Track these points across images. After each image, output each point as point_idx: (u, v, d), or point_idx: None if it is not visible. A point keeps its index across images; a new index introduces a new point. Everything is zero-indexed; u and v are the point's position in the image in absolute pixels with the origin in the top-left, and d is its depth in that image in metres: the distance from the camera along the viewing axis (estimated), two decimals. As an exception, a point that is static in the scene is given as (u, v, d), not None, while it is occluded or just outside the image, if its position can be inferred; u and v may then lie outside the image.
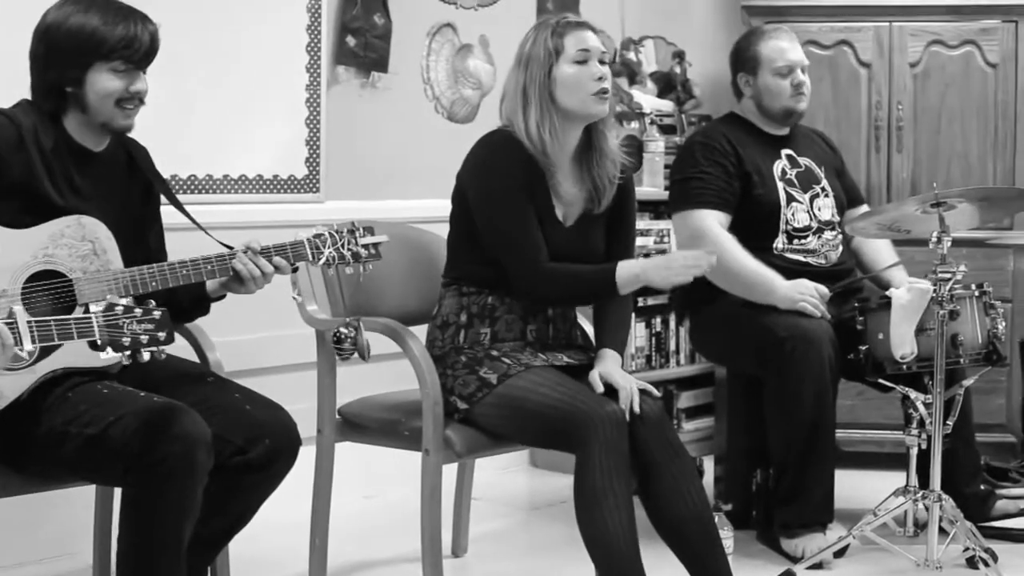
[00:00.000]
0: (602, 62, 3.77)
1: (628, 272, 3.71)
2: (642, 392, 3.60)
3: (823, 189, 4.72)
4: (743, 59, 4.73)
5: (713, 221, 4.55)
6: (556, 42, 3.73)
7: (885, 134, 5.74)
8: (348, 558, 4.41)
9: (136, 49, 3.28)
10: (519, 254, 3.71)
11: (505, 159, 3.72)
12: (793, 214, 4.61)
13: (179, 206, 3.52)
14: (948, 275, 3.93)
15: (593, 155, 3.82)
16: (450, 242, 3.91)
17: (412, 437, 3.76)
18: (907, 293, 4.15)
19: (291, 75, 4.86)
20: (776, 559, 4.39)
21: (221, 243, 3.38)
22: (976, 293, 4.26)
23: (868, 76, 5.76)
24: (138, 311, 2.92)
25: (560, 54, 3.73)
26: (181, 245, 3.46)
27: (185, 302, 3.45)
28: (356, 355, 3.51)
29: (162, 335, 2.94)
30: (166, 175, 4.38)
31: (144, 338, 2.92)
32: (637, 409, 3.54)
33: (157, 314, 2.94)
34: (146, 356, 2.92)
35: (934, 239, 3.94)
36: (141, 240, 3.47)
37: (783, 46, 4.66)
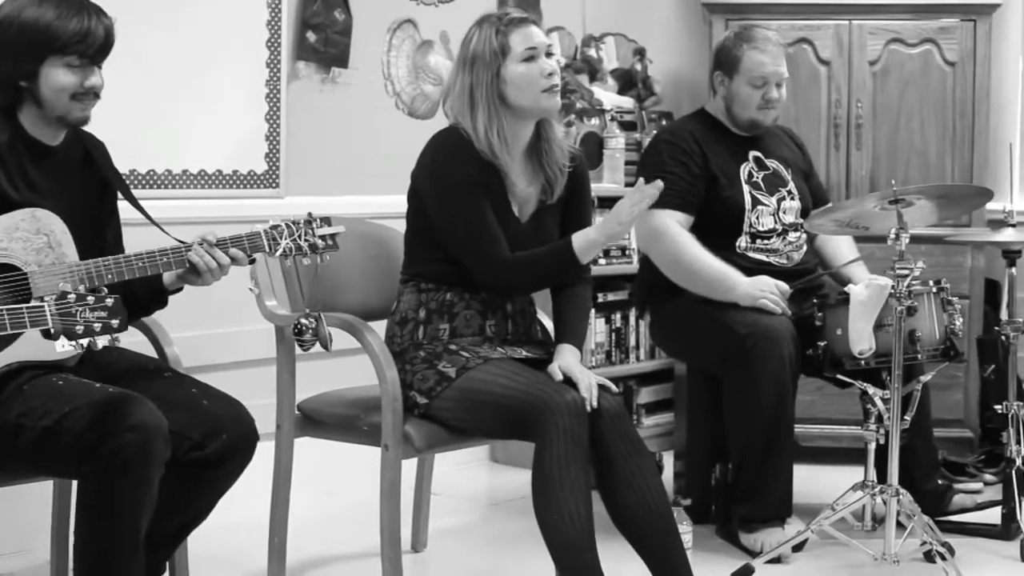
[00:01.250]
0: (549, 55, 3.77)
1: (584, 240, 3.72)
2: (601, 388, 3.61)
3: (789, 192, 4.72)
4: (724, 59, 4.71)
5: (673, 221, 4.54)
6: (502, 41, 3.73)
7: (844, 131, 5.76)
8: (307, 554, 4.40)
9: (90, 44, 3.26)
10: (479, 250, 3.71)
11: (457, 158, 3.72)
12: (758, 217, 4.62)
13: (134, 202, 3.50)
14: (906, 271, 3.95)
15: (542, 146, 3.83)
16: (407, 239, 3.91)
17: (371, 432, 3.76)
18: (865, 289, 4.17)
19: (251, 70, 4.85)
20: (735, 553, 4.40)
21: (176, 239, 3.37)
22: (934, 289, 4.28)
23: (828, 74, 5.78)
24: (90, 299, 2.91)
25: (507, 53, 3.73)
26: (139, 240, 3.44)
27: (142, 295, 3.43)
28: (318, 345, 3.50)
29: (115, 322, 2.93)
30: (125, 170, 4.39)
31: (97, 325, 2.91)
32: (595, 403, 3.54)
33: (110, 301, 2.92)
34: (100, 343, 2.91)
35: (892, 236, 3.96)
36: (97, 235, 3.45)
37: (764, 60, 4.63)
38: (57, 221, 3.26)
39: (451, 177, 3.72)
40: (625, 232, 3.80)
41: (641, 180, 3.74)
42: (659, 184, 3.66)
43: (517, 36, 3.73)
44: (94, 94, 3.32)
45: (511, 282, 3.78)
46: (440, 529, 4.67)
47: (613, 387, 3.66)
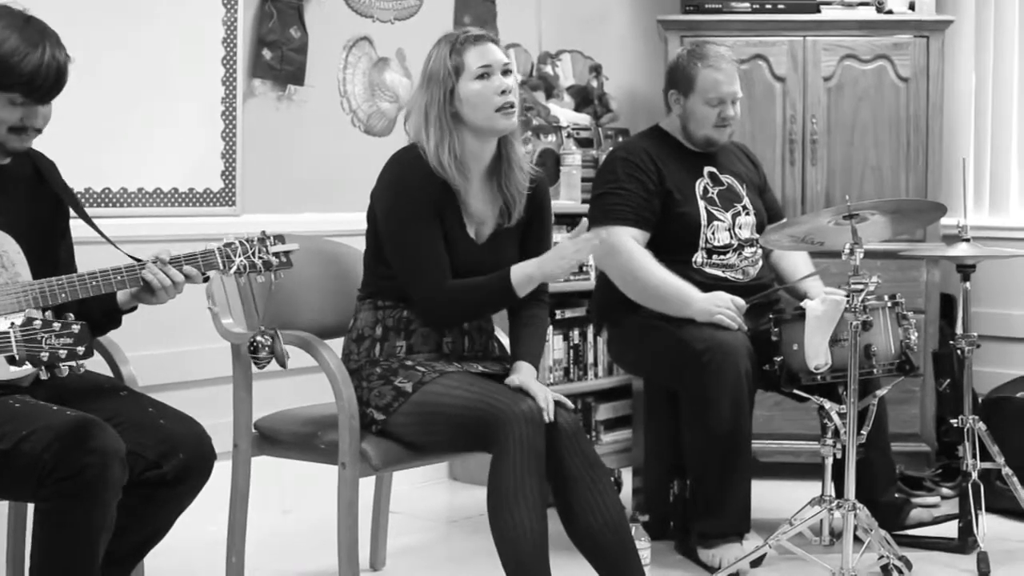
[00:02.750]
0: (506, 73, 3.76)
1: (522, 273, 3.72)
2: (557, 404, 3.61)
3: (744, 207, 4.74)
4: (678, 78, 4.71)
5: (629, 238, 4.55)
6: (456, 60, 3.72)
7: (799, 147, 5.79)
8: (265, 573, 4.38)
9: (37, 87, 3.22)
10: (422, 279, 3.72)
11: (413, 178, 3.72)
12: (713, 232, 4.63)
13: (87, 219, 3.48)
14: (861, 286, 3.96)
15: (502, 167, 3.83)
16: (366, 257, 3.91)
17: (328, 451, 3.75)
18: (821, 304, 4.18)
19: (207, 88, 4.84)
20: (693, 569, 4.41)
21: (130, 256, 3.35)
22: (889, 304, 4.31)
23: (783, 90, 5.81)
24: (56, 325, 2.89)
25: (461, 72, 3.72)
26: (92, 258, 3.42)
27: (96, 315, 3.40)
28: (274, 363, 3.49)
29: (81, 349, 2.91)
30: (80, 188, 4.37)
31: (62, 352, 2.89)
32: (551, 417, 3.54)
33: (76, 328, 2.91)
34: (65, 371, 2.89)
35: (847, 251, 3.98)
36: (50, 253, 3.43)
37: (719, 78, 4.64)
38: (10, 241, 3.24)
39: (403, 197, 3.72)
40: (564, 273, 3.79)
41: (585, 221, 3.76)
42: (603, 235, 3.68)
43: (473, 54, 3.73)
44: (34, 129, 3.30)
45: (449, 314, 3.78)
46: (399, 547, 4.66)
47: (569, 404, 3.66)
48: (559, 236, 5.49)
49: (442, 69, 3.73)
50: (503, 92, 3.72)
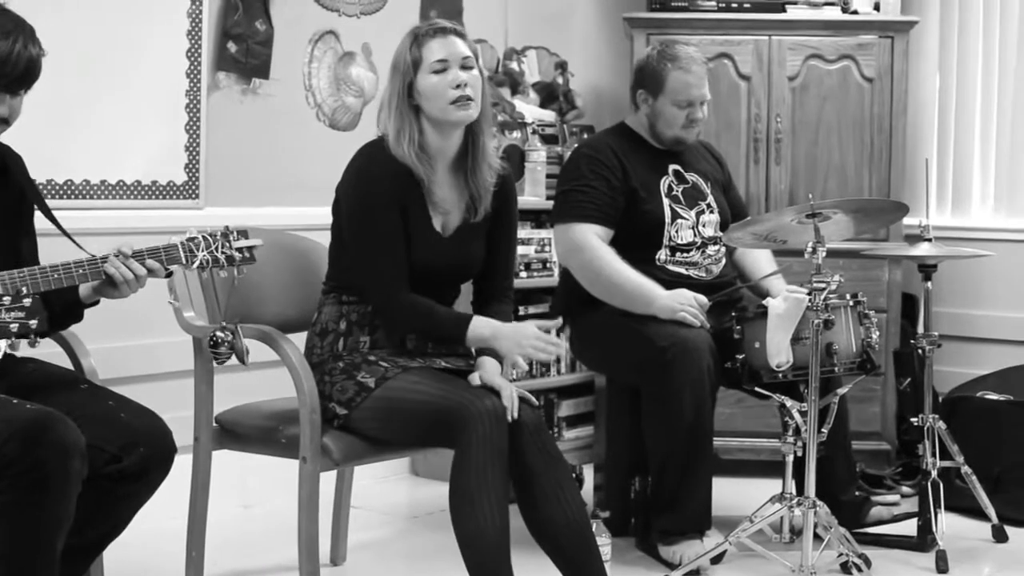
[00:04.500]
0: (466, 67, 3.75)
1: (478, 332, 3.75)
2: (521, 400, 3.61)
3: (709, 205, 4.75)
4: (647, 78, 4.71)
5: (592, 235, 4.56)
6: (416, 53, 3.73)
7: (764, 146, 5.80)
8: (225, 567, 4.37)
9: (5, 74, 3.21)
10: (379, 280, 3.72)
11: (377, 172, 3.72)
12: (677, 231, 4.64)
13: (49, 214, 3.46)
14: (823, 285, 3.98)
15: (468, 161, 3.83)
16: (331, 251, 3.90)
17: (289, 445, 3.74)
18: (783, 303, 4.20)
19: (171, 80, 4.82)
20: (654, 566, 4.42)
21: (89, 253, 3.32)
22: (851, 303, 4.32)
23: (748, 89, 5.82)
24: (7, 299, 2.87)
25: (419, 65, 3.72)
26: (54, 253, 3.40)
27: (58, 308, 3.37)
28: (234, 358, 3.48)
29: (33, 322, 2.89)
30: (43, 180, 4.35)
31: (14, 326, 2.87)
32: (516, 414, 3.55)
33: (27, 301, 2.88)
34: (19, 346, 2.87)
35: (809, 249, 4.00)
36: (13, 247, 3.41)
37: (689, 81, 4.64)
38: (-29, 234, 3.23)
39: (366, 192, 3.72)
40: (513, 359, 3.77)
41: (559, 320, 3.77)
42: (562, 351, 3.70)
43: (431, 46, 3.72)
44: (2, 120, 3.28)
45: (399, 323, 3.79)
46: (359, 542, 4.65)
47: (533, 400, 3.66)
48: (523, 232, 5.52)
49: (402, 62, 3.74)
50: (458, 86, 3.71)
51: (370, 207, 3.70)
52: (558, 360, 5.86)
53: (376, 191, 3.70)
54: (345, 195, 3.78)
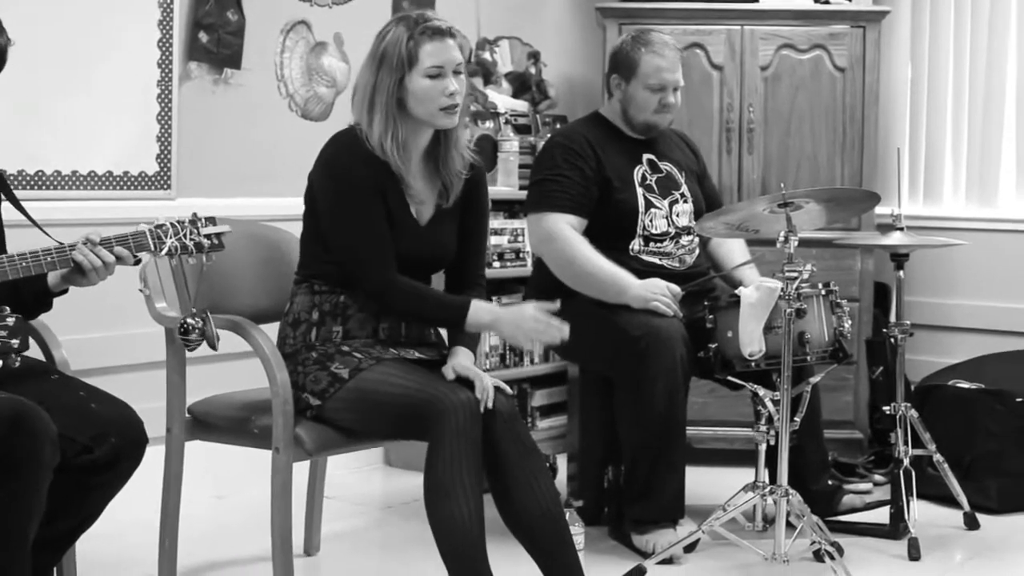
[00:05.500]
0: (457, 72, 3.74)
1: (478, 318, 3.74)
2: (495, 389, 3.61)
3: (683, 195, 4.75)
4: (621, 62, 4.71)
5: (565, 225, 4.56)
6: (411, 49, 3.68)
7: (736, 136, 5.81)
8: (199, 558, 4.36)
9: None
10: (369, 266, 3.70)
11: (354, 160, 3.70)
12: (651, 220, 4.64)
13: (17, 204, 3.44)
14: (795, 274, 3.99)
15: (439, 152, 3.82)
16: (303, 240, 3.88)
17: (262, 435, 3.73)
18: (755, 292, 4.20)
19: (142, 70, 4.80)
20: (627, 554, 4.43)
21: (58, 241, 3.31)
22: (822, 292, 4.33)
23: (720, 79, 5.83)
24: None
25: (414, 65, 3.69)
26: (22, 243, 3.38)
27: (27, 298, 3.37)
28: (205, 345, 3.47)
29: (15, 342, 2.88)
30: (13, 170, 4.34)
31: None
32: (491, 404, 3.55)
33: (11, 320, 2.88)
34: None
35: (781, 239, 4.00)
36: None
37: (662, 65, 4.65)
38: (-62, 224, 3.21)
39: (345, 180, 3.70)
40: (513, 342, 3.78)
41: (557, 304, 3.75)
42: (565, 333, 3.68)
43: (428, 48, 3.68)
44: None
45: (394, 306, 3.77)
46: (333, 533, 4.65)
47: (508, 389, 3.66)
48: (497, 222, 5.52)
49: (396, 56, 3.69)
50: (450, 95, 3.70)
51: (351, 194, 3.68)
52: (531, 349, 5.86)
53: (355, 177, 3.68)
54: (322, 185, 3.76)
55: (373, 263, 3.70)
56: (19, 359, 2.90)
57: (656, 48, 4.66)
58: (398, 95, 3.70)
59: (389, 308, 3.77)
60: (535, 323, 3.70)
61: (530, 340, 3.76)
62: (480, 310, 3.74)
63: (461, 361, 3.69)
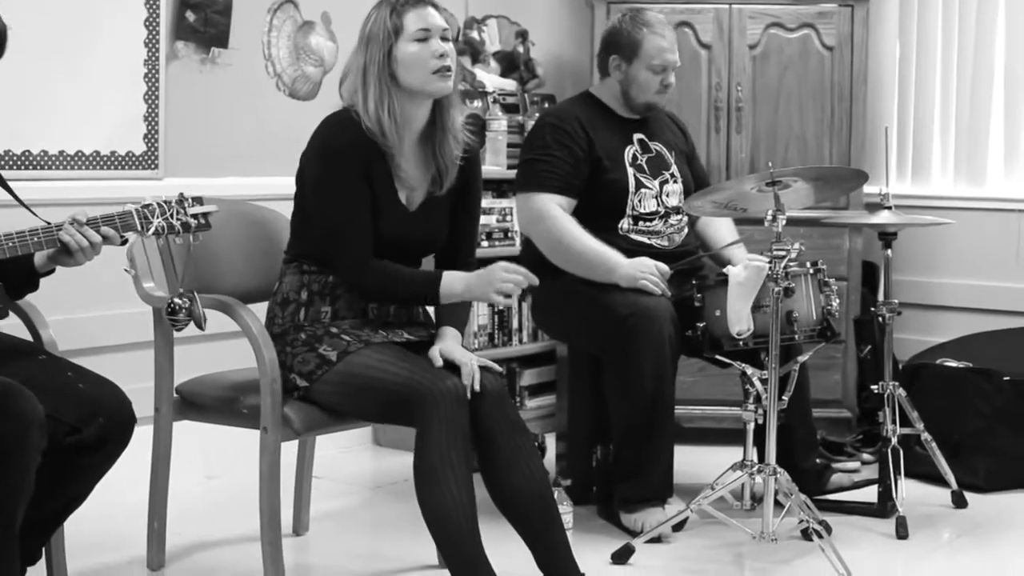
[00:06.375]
0: (444, 39, 3.75)
1: (450, 286, 3.73)
2: (483, 368, 3.62)
3: (672, 175, 4.75)
4: (621, 43, 4.70)
5: (553, 204, 4.56)
6: (396, 21, 3.71)
7: (725, 115, 5.81)
8: (187, 538, 4.36)
9: None
10: (346, 247, 3.71)
11: (344, 143, 3.70)
12: (641, 200, 4.64)
13: (3, 184, 3.43)
14: (783, 253, 3.99)
15: (436, 133, 3.82)
16: (293, 221, 3.88)
17: (250, 415, 3.73)
18: (743, 271, 4.20)
19: (129, 49, 4.79)
20: (616, 533, 4.43)
21: (45, 221, 3.30)
22: (811, 271, 4.33)
23: (708, 57, 5.82)
24: None
25: (400, 33, 3.70)
26: (9, 223, 3.37)
27: (13, 278, 3.36)
28: (192, 325, 3.47)
29: None
30: (-1, 151, 4.32)
31: None
32: (478, 387, 3.55)
33: None
34: None
35: (769, 217, 4.01)
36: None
37: (664, 46, 4.66)
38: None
39: (333, 162, 3.70)
40: (489, 299, 3.76)
41: (527, 273, 3.74)
42: (534, 279, 3.69)
43: (411, 16, 3.71)
44: None
45: (369, 288, 3.77)
46: (322, 512, 4.65)
47: (495, 367, 3.67)
48: (485, 202, 5.51)
49: (381, 31, 3.71)
50: (441, 56, 3.71)
51: (335, 175, 3.69)
52: (520, 328, 5.87)
53: (342, 160, 3.69)
54: (310, 164, 3.76)
55: (349, 244, 3.70)
56: None
57: (657, 29, 4.67)
58: (389, 68, 3.71)
59: (363, 289, 3.77)
60: (505, 273, 3.69)
61: (503, 292, 3.71)
62: (451, 281, 3.74)
63: (448, 345, 3.69)
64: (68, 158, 4.62)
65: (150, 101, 4.84)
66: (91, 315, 4.60)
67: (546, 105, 6.06)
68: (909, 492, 4.71)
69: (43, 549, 3.51)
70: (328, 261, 3.76)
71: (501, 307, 3.64)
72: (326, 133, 3.76)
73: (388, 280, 3.74)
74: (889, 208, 4.59)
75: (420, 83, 3.72)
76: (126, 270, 3.76)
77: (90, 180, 4.67)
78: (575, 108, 4.79)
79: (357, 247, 3.70)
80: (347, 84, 3.80)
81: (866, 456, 5.32)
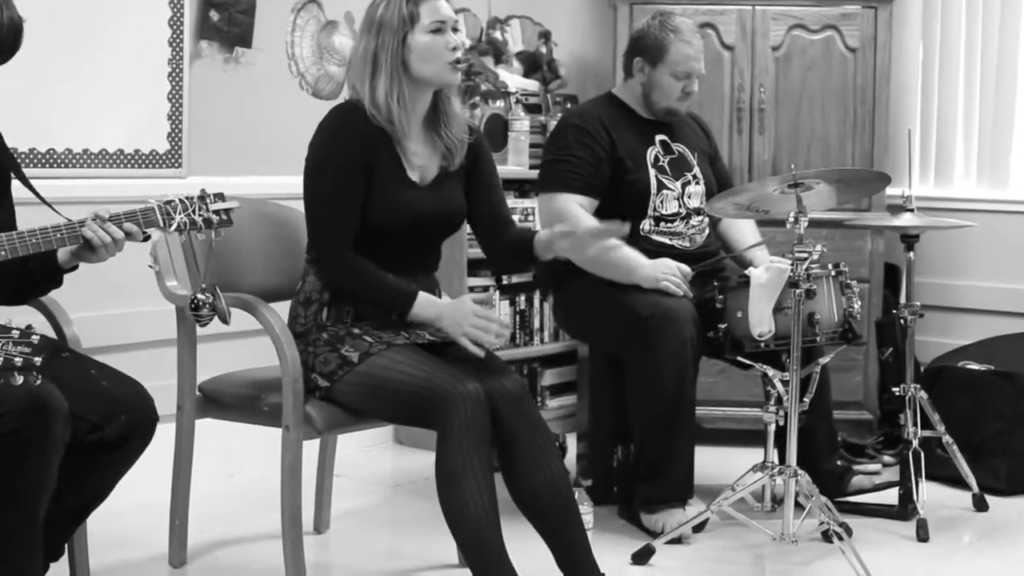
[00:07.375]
0: (455, 30, 3.77)
1: (423, 309, 3.72)
2: (501, 369, 3.64)
3: (695, 176, 4.75)
4: (647, 46, 4.71)
5: (576, 205, 4.56)
6: (411, 10, 3.71)
7: (747, 116, 5.80)
8: (209, 536, 4.37)
9: None
10: (325, 235, 3.73)
11: (347, 132, 3.71)
12: (662, 201, 4.65)
13: (26, 182, 3.44)
14: (805, 255, 3.99)
15: (440, 118, 3.83)
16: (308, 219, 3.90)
17: (272, 413, 3.74)
18: (765, 272, 4.21)
19: (153, 49, 4.80)
20: (636, 534, 4.43)
21: (67, 218, 3.31)
22: (832, 273, 4.33)
23: (731, 59, 5.82)
24: (15, 332, 2.86)
25: (415, 23, 3.71)
26: (35, 222, 3.38)
27: (37, 274, 3.38)
28: (217, 321, 3.48)
29: (38, 360, 2.87)
30: (25, 149, 4.34)
31: (18, 360, 2.85)
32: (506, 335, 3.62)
33: (35, 339, 2.88)
34: (19, 380, 2.85)
35: (791, 219, 4.00)
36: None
37: (690, 53, 4.66)
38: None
39: (329, 151, 3.72)
40: (455, 337, 3.73)
41: (494, 294, 3.74)
42: (505, 334, 3.69)
43: (426, 7, 3.72)
44: None
45: (338, 279, 3.77)
46: (343, 511, 4.66)
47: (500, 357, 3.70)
48: (510, 202, 5.51)
49: (396, 17, 3.71)
50: (454, 48, 3.73)
51: (328, 164, 3.71)
52: (541, 328, 5.88)
53: (340, 151, 3.70)
54: (310, 151, 3.79)
55: (329, 232, 3.72)
56: (39, 377, 2.90)
57: (685, 36, 4.67)
58: (402, 56, 3.72)
59: (336, 283, 3.77)
60: (474, 318, 3.69)
61: (471, 337, 3.68)
62: (425, 304, 3.72)
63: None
64: (92, 156, 4.63)
65: (174, 100, 4.85)
66: (115, 312, 4.62)
67: (568, 106, 6.06)
68: (930, 495, 4.69)
69: (65, 546, 3.52)
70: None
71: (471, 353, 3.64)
72: (329, 121, 3.79)
73: (361, 280, 3.72)
74: (911, 210, 4.58)
75: (433, 73, 3.74)
76: (150, 266, 3.77)
77: (113, 179, 4.68)
78: (597, 109, 4.79)
79: (336, 236, 3.70)
80: (352, 70, 3.80)
81: (887, 458, 5.32)
